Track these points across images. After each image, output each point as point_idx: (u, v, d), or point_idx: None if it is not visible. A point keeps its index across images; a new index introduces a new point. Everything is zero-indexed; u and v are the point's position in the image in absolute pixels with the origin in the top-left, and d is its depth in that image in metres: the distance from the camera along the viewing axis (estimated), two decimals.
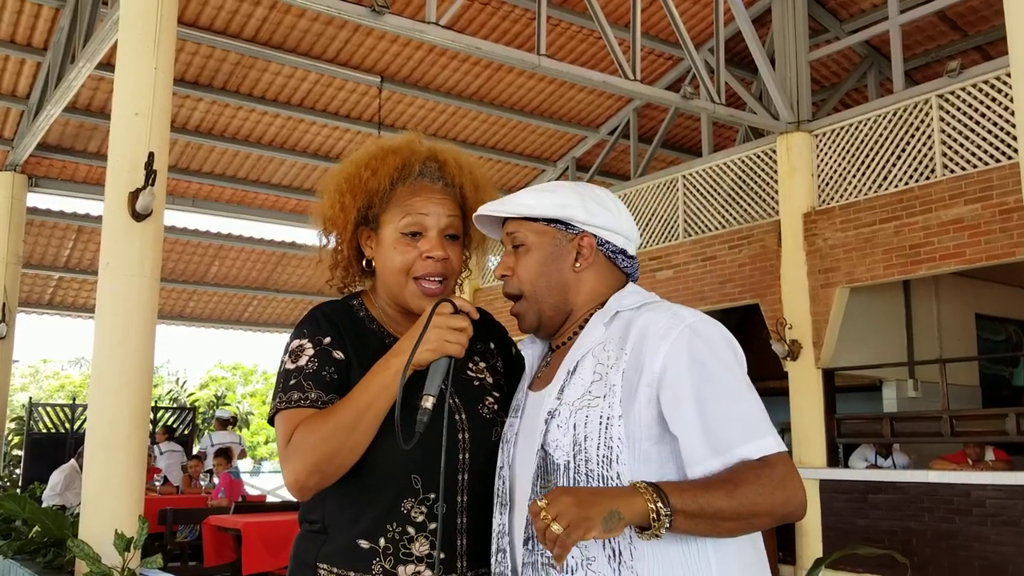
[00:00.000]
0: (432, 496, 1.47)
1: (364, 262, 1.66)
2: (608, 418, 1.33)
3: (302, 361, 1.51)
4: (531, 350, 1.58)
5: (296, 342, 1.54)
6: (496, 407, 1.57)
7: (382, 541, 1.46)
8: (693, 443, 1.28)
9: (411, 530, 1.46)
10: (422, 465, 1.45)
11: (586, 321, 1.47)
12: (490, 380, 1.62)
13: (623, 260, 1.51)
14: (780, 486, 1.24)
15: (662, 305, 1.42)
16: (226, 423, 12.55)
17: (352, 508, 1.48)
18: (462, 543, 1.49)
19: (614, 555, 1.30)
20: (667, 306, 1.41)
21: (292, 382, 1.49)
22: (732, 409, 1.28)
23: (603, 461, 1.32)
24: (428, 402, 1.39)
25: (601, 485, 1.32)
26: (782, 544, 7.81)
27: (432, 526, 1.46)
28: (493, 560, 1.46)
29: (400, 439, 1.35)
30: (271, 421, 1.53)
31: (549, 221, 1.49)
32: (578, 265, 1.47)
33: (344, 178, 1.60)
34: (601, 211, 1.48)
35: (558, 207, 1.47)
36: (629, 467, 1.31)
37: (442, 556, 1.46)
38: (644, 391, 1.31)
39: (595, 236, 1.48)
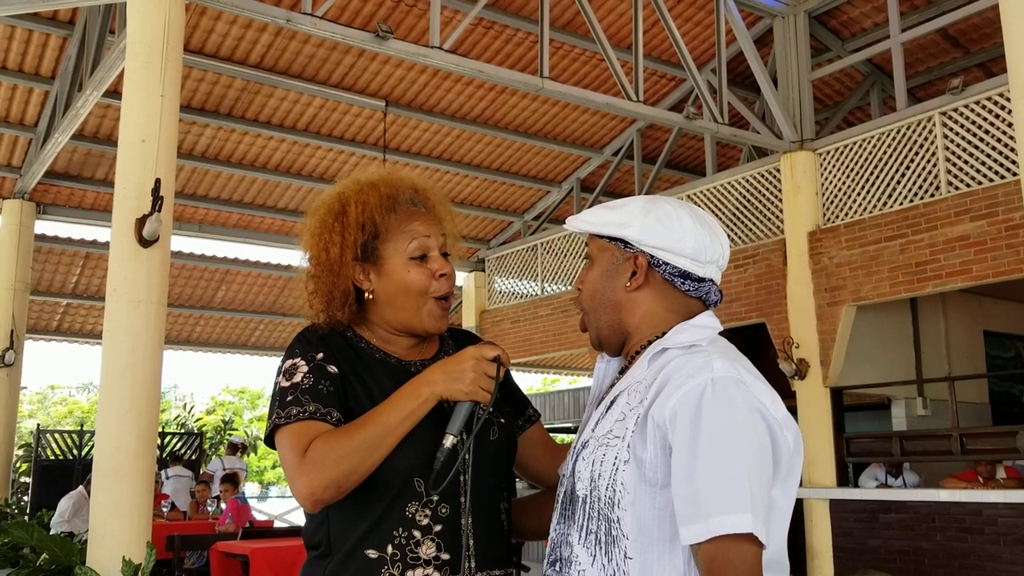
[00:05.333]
0: (435, 498, 1.50)
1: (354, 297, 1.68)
2: (619, 460, 1.31)
3: (297, 378, 1.53)
4: (602, 366, 1.54)
5: (289, 362, 1.56)
6: (491, 408, 1.59)
7: (389, 548, 1.47)
8: (677, 499, 1.24)
9: (417, 534, 1.48)
10: (422, 467, 1.48)
11: (643, 348, 1.43)
12: None
13: (686, 284, 1.42)
14: None
15: (708, 351, 1.33)
16: (236, 448, 12.54)
17: (357, 519, 1.49)
18: (468, 543, 1.51)
19: None
20: (710, 353, 1.32)
21: (289, 398, 1.51)
22: (719, 474, 1.20)
23: (608, 503, 1.31)
24: (448, 441, 1.45)
25: (605, 525, 1.31)
26: (793, 566, 7.72)
27: (437, 528, 1.49)
28: (550, 568, 1.45)
29: (431, 482, 1.45)
30: (268, 440, 1.54)
31: (612, 238, 1.46)
32: (629, 285, 1.44)
33: (334, 218, 1.63)
34: (660, 230, 1.41)
35: (615, 225, 1.44)
36: (631, 513, 1.28)
37: (448, 558, 1.48)
38: (656, 433, 1.28)
39: (650, 256, 1.42)
